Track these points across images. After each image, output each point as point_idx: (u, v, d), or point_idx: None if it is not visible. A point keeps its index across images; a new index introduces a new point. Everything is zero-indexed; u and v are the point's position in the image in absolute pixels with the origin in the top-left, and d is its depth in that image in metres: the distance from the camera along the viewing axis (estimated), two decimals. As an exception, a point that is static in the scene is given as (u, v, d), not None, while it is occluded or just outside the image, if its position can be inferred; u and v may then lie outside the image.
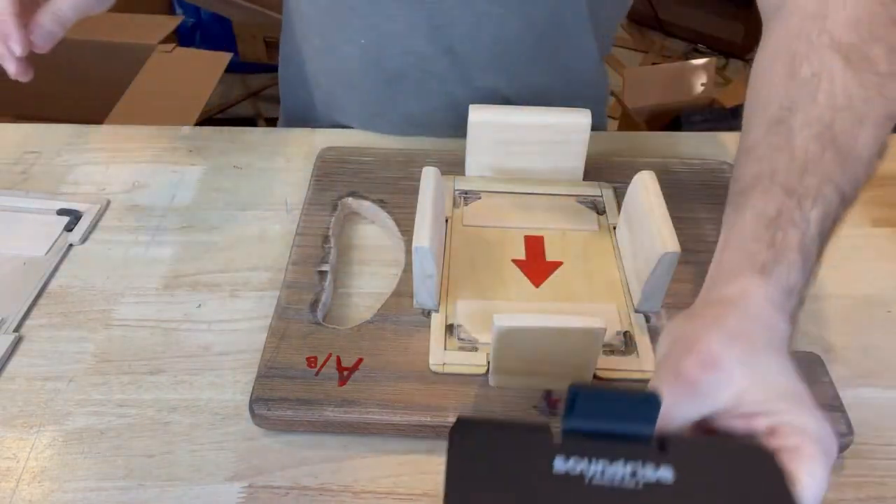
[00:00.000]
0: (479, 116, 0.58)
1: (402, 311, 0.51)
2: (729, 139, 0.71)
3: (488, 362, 0.46)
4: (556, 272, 0.53)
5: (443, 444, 0.45)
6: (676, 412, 0.33)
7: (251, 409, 0.45)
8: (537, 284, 0.53)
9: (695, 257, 0.55)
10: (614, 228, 0.57)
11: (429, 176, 0.53)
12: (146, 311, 0.54)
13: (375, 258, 0.58)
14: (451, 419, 0.45)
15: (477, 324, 0.50)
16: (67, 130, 0.71)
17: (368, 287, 0.56)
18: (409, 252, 0.52)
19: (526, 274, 0.53)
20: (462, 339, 0.49)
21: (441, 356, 0.48)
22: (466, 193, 0.60)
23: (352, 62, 0.68)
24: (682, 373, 0.33)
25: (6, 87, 1.41)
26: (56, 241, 0.59)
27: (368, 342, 0.49)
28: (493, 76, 0.67)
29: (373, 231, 0.61)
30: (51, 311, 0.54)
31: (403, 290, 0.52)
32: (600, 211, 0.59)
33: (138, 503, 0.43)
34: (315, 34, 0.70)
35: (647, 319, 0.51)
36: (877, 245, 0.60)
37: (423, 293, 0.50)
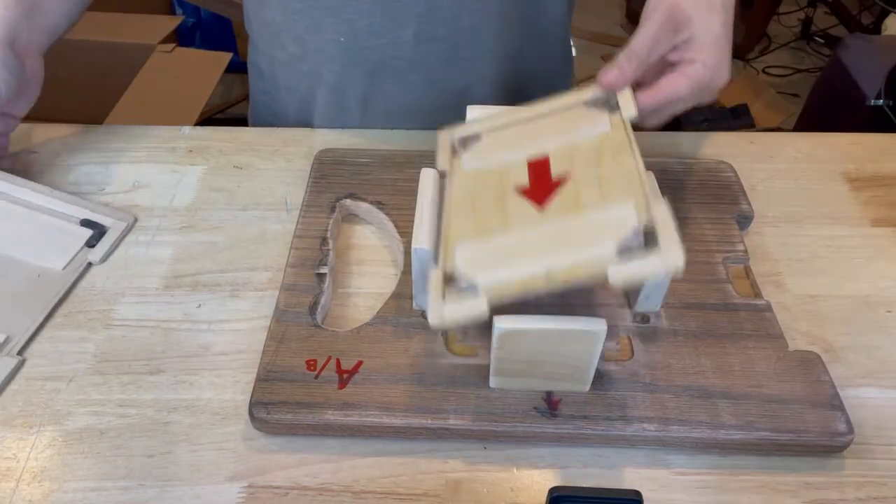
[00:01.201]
0: (476, 116, 0.58)
1: (401, 313, 0.51)
2: (729, 139, 0.71)
3: (491, 309, 0.41)
4: (563, 188, 0.47)
5: (443, 445, 0.46)
6: (659, 44, 0.50)
7: (251, 413, 0.45)
8: (542, 206, 0.46)
9: (694, 257, 0.55)
10: (629, 122, 0.51)
11: (427, 177, 0.53)
12: (146, 311, 0.54)
13: (374, 259, 0.58)
14: (452, 421, 0.45)
15: (477, 266, 0.44)
16: (67, 130, 0.71)
17: (367, 289, 0.56)
18: (407, 253, 0.52)
19: (530, 199, 0.47)
20: (462, 287, 0.43)
21: (439, 310, 0.42)
22: (466, 139, 0.55)
23: (332, 63, 0.69)
24: (672, 15, 0.49)
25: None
26: (76, 256, 0.55)
27: (368, 344, 0.49)
28: (474, 51, 0.68)
29: (371, 232, 0.61)
30: (50, 310, 0.54)
31: (403, 291, 0.52)
32: (613, 108, 0.51)
33: (138, 503, 0.43)
34: (289, 41, 0.70)
35: (647, 320, 0.51)
36: (877, 245, 0.60)
37: (423, 295, 0.50)
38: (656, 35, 0.50)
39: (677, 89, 0.50)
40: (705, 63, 0.50)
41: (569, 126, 0.52)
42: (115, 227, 0.58)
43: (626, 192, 0.44)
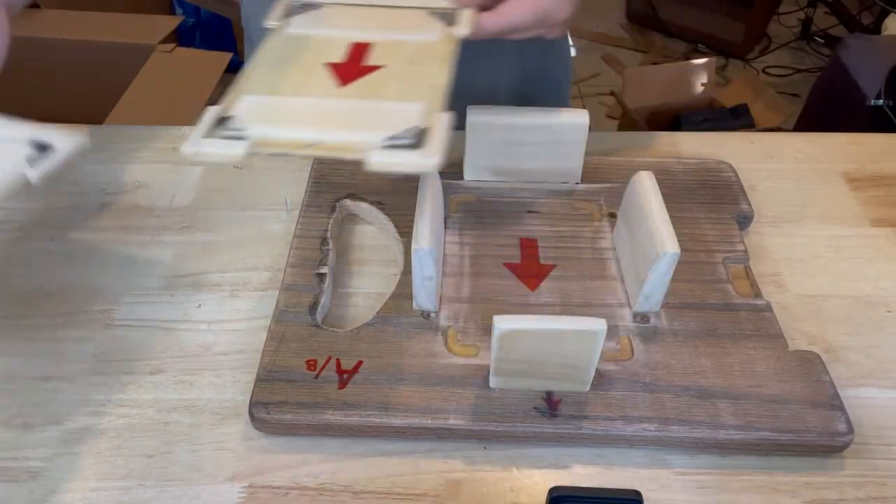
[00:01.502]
0: (478, 117, 0.58)
1: (401, 313, 0.51)
2: (729, 139, 0.71)
3: (244, 155, 0.42)
4: (371, 75, 0.47)
5: (443, 445, 0.46)
6: None
7: (251, 413, 0.45)
8: (344, 83, 0.47)
9: (694, 257, 0.55)
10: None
11: (427, 177, 0.53)
12: (146, 311, 0.54)
13: (374, 259, 0.58)
14: (452, 421, 0.45)
15: (254, 118, 0.44)
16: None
17: (367, 289, 0.56)
18: (407, 253, 0.52)
19: (336, 74, 0.47)
20: (231, 131, 0.43)
21: (197, 143, 0.42)
22: (305, 4, 0.55)
23: None
24: None
25: (6, 87, 1.41)
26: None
27: (368, 344, 0.49)
28: (476, 48, 0.68)
29: (371, 232, 0.61)
30: (51, 311, 0.54)
31: (402, 291, 0.52)
32: (450, 22, 0.52)
33: (138, 503, 0.43)
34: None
35: (647, 320, 0.51)
36: (877, 245, 0.60)
37: (423, 295, 0.50)
38: None
39: (518, 16, 0.49)
40: None
41: (404, 25, 0.53)
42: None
43: (422, 97, 0.45)
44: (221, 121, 0.43)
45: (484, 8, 0.51)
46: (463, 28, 0.50)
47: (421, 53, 0.49)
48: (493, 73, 0.71)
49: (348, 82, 0.47)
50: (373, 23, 0.53)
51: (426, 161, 0.41)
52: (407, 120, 0.43)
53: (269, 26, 0.52)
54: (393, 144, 0.41)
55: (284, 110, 0.45)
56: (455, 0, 0.52)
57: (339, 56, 0.49)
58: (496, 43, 0.69)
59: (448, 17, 0.52)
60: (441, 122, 0.43)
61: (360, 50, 0.49)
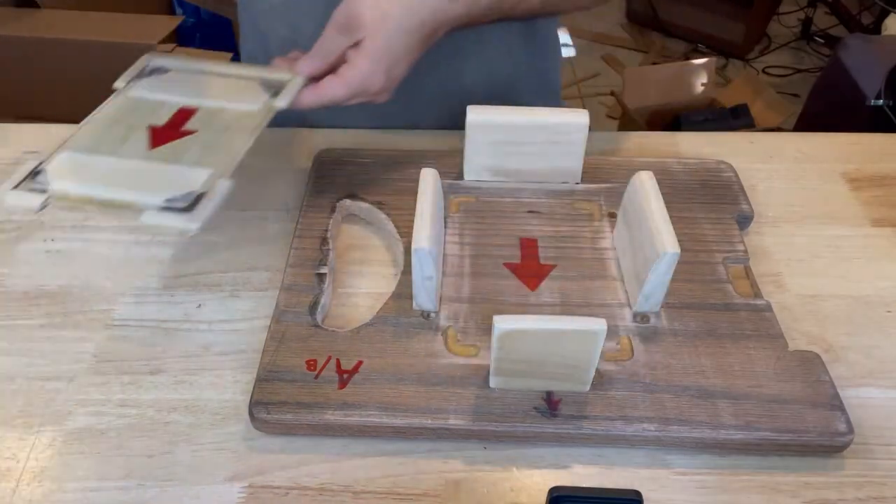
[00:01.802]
0: (478, 117, 0.58)
1: (401, 313, 0.51)
2: (729, 139, 0.71)
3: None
4: (182, 140, 0.53)
5: (443, 445, 0.46)
6: (331, 43, 0.54)
7: (251, 413, 0.45)
8: (154, 146, 0.52)
9: (695, 257, 0.55)
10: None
11: (427, 177, 0.53)
12: (146, 311, 0.54)
13: (374, 259, 0.58)
14: (452, 421, 0.45)
15: (61, 173, 0.50)
16: (67, 130, 0.70)
17: (367, 289, 0.56)
18: (407, 253, 0.52)
19: (151, 137, 0.53)
20: (37, 183, 0.48)
21: (3, 193, 0.48)
22: (156, 68, 0.60)
23: None
24: (350, 17, 0.53)
25: (6, 87, 1.42)
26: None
27: (368, 344, 0.49)
28: (467, 46, 0.69)
29: (371, 232, 0.61)
30: (51, 311, 0.54)
31: (403, 291, 0.52)
32: (275, 93, 0.55)
33: (138, 503, 0.43)
34: (282, 24, 0.69)
35: (647, 320, 0.51)
36: (877, 245, 0.60)
37: (423, 295, 0.50)
38: (328, 34, 0.54)
39: (334, 92, 0.54)
40: (360, 69, 0.53)
41: (233, 94, 0.57)
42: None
43: (215, 164, 0.50)
44: (35, 174, 0.49)
45: (325, 72, 0.55)
46: (281, 101, 0.55)
47: (236, 122, 0.54)
48: (481, 72, 0.71)
49: (158, 145, 0.52)
50: (207, 90, 0.58)
51: (188, 225, 0.46)
52: (190, 184, 0.48)
53: (116, 87, 0.58)
54: (168, 206, 0.47)
55: (91, 168, 0.50)
56: (291, 70, 0.56)
57: (162, 120, 0.54)
58: (485, 42, 0.69)
59: (275, 88, 0.56)
60: (218, 190, 0.48)
61: (183, 115, 0.55)
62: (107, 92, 0.58)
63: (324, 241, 0.57)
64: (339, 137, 0.70)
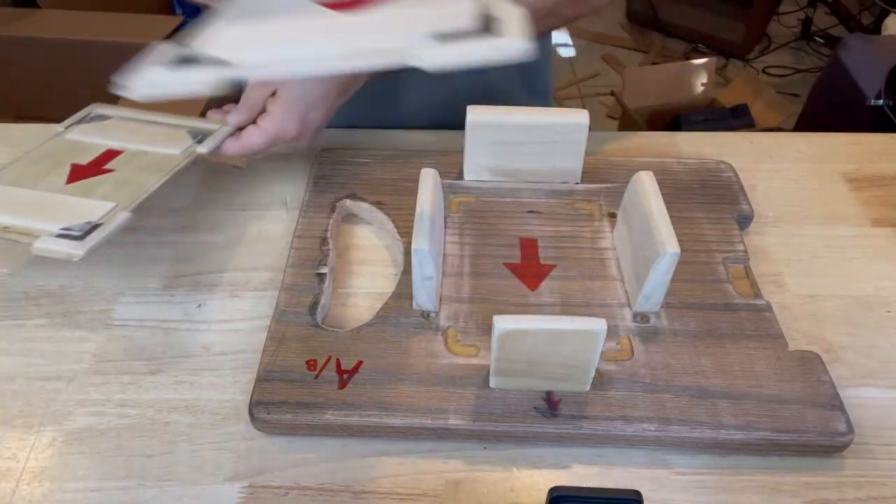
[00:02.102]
0: (478, 117, 0.58)
1: (401, 313, 0.51)
2: (729, 139, 0.71)
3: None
4: (98, 177, 0.55)
5: (443, 445, 0.46)
6: (253, 93, 0.57)
7: (251, 413, 0.45)
8: (71, 182, 0.55)
9: (695, 257, 0.55)
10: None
11: (427, 177, 0.53)
12: (146, 311, 0.54)
13: (374, 259, 0.58)
14: (452, 421, 0.45)
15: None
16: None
17: (367, 289, 0.56)
18: (407, 253, 0.52)
19: (70, 174, 0.56)
20: None
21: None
22: (98, 115, 0.63)
23: None
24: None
25: (6, 87, 1.41)
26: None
27: (368, 344, 0.49)
28: None
29: (371, 232, 0.61)
30: (51, 311, 0.54)
31: (403, 291, 0.52)
32: (200, 140, 0.59)
33: (138, 503, 0.43)
34: None
35: (647, 320, 0.51)
36: (877, 245, 0.60)
37: (423, 295, 0.50)
38: (250, 87, 0.58)
39: (252, 140, 0.57)
40: (274, 117, 0.56)
41: (160, 140, 0.60)
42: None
43: (119, 198, 0.52)
44: None
45: (248, 123, 0.58)
46: (204, 147, 0.58)
47: (154, 164, 0.57)
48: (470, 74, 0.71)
49: (74, 181, 0.55)
50: (137, 136, 0.60)
51: (72, 251, 0.47)
52: (89, 215, 0.50)
53: (58, 130, 0.61)
54: (64, 234, 0.49)
55: (9, 198, 0.52)
56: (223, 121, 0.59)
57: (86, 159, 0.57)
58: None
59: (202, 135, 0.59)
60: (113, 222, 0.50)
61: (107, 156, 0.58)
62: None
63: (324, 241, 0.57)
64: (339, 137, 0.70)
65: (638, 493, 0.36)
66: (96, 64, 1.26)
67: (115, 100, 1.14)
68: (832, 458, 0.45)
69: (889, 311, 0.54)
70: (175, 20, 1.37)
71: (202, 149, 0.58)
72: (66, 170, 0.56)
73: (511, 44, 0.41)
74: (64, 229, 0.49)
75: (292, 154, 0.68)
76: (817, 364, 0.48)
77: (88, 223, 0.49)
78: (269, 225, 0.61)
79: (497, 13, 0.43)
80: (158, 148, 0.59)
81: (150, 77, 0.45)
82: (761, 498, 0.43)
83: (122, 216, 0.51)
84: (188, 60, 0.45)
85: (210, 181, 0.65)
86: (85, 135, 0.61)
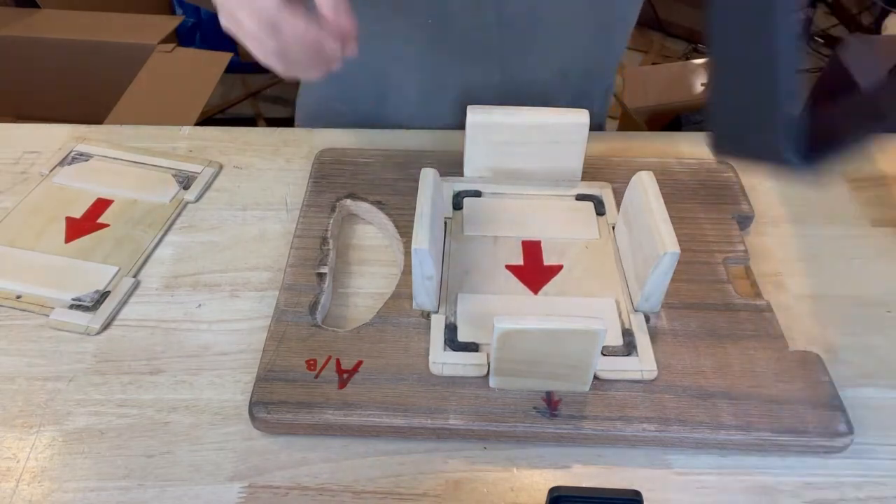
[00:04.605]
0: (478, 117, 0.58)
1: (401, 313, 0.51)
2: (729, 139, 0.71)
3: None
4: (95, 233, 0.58)
5: (443, 445, 0.46)
6: None
7: (251, 413, 0.45)
8: (69, 240, 0.57)
9: (694, 257, 0.55)
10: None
11: (427, 177, 0.53)
12: (146, 311, 0.54)
13: (374, 259, 0.58)
14: (452, 421, 0.45)
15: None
16: (67, 130, 0.71)
17: (367, 289, 0.56)
18: (407, 253, 0.52)
19: (67, 229, 0.58)
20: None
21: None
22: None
23: (413, 45, 0.67)
24: None
25: (6, 87, 1.41)
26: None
27: (368, 344, 0.49)
28: (548, 44, 0.67)
29: (371, 231, 0.61)
30: (51, 311, 0.54)
31: (403, 291, 0.52)
32: (186, 186, 0.63)
33: (138, 503, 0.43)
34: (368, 21, 0.69)
35: (647, 319, 0.51)
36: (877, 245, 0.60)
37: (423, 295, 0.50)
38: None
39: None
40: None
41: (147, 186, 0.63)
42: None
43: (121, 261, 0.56)
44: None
45: None
46: (191, 195, 0.62)
47: (147, 215, 0.60)
48: (552, 68, 0.70)
49: (72, 239, 0.57)
50: (125, 181, 0.63)
51: (89, 324, 0.51)
52: (97, 283, 0.54)
53: (43, 173, 0.63)
54: (76, 304, 0.53)
55: (12, 262, 0.55)
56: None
57: (79, 211, 0.60)
58: (557, 37, 0.69)
59: (187, 180, 0.64)
60: (120, 289, 0.54)
61: (99, 207, 0.61)
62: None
63: (324, 241, 0.57)
64: (339, 137, 0.70)
65: (638, 493, 0.36)
66: (96, 64, 1.26)
67: (113, 99, 1.14)
68: (832, 458, 0.45)
69: (889, 311, 0.54)
70: (175, 20, 1.37)
71: (189, 196, 0.62)
72: (62, 225, 0.58)
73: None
74: (75, 300, 0.53)
75: (292, 154, 0.68)
76: (817, 364, 0.48)
77: (97, 292, 0.53)
78: (269, 225, 0.61)
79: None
80: (147, 196, 0.62)
81: None
82: (761, 498, 0.43)
83: (128, 282, 0.54)
84: None
85: (210, 181, 0.65)
86: (71, 180, 0.63)
